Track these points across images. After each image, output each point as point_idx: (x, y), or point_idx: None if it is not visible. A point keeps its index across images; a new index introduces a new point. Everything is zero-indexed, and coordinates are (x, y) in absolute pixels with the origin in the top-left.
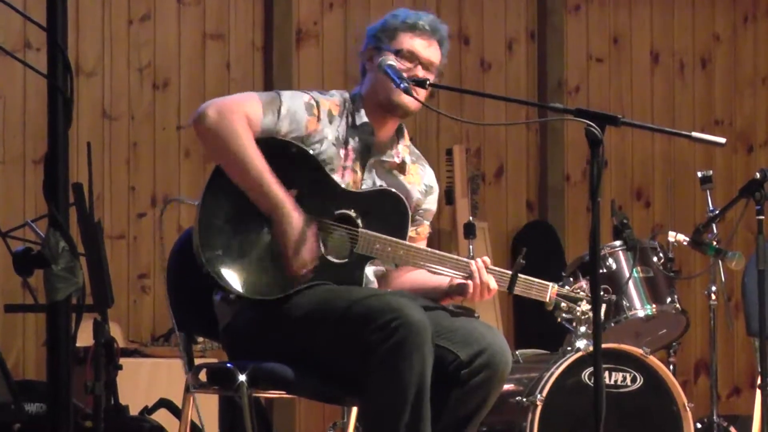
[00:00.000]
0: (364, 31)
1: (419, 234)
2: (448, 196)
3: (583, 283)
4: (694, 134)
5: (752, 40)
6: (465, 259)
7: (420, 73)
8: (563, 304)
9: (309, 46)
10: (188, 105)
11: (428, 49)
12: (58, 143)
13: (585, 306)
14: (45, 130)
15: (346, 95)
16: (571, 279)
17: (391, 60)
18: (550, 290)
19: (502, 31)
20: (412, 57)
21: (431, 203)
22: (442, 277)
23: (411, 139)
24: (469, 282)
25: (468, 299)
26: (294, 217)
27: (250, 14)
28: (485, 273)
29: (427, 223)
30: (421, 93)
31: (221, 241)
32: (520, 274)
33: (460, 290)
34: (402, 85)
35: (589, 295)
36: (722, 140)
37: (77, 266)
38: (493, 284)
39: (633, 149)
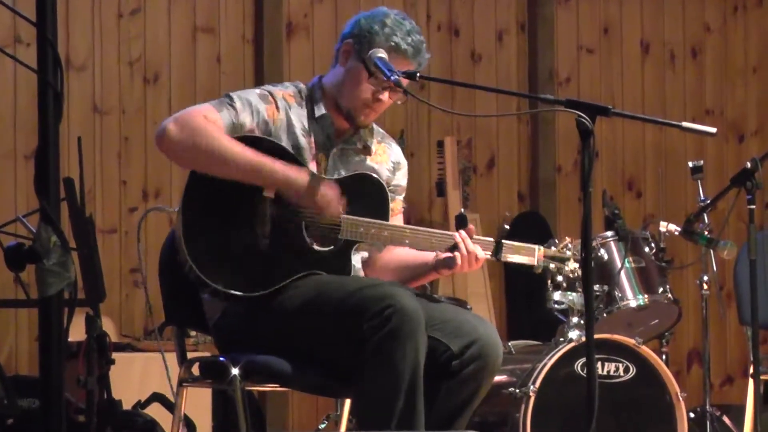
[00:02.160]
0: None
1: (393, 210)
2: (439, 188)
3: (568, 242)
4: (685, 124)
5: (742, 29)
6: (449, 233)
7: (385, 96)
8: (552, 265)
9: (299, 38)
10: (179, 98)
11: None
12: (49, 138)
13: (572, 264)
14: (36, 125)
15: (301, 86)
16: (556, 240)
17: (381, 53)
18: (537, 252)
19: (492, 23)
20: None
21: (401, 178)
22: (428, 252)
23: (402, 132)
24: (456, 254)
25: (456, 271)
26: (294, 179)
27: (240, 7)
28: (471, 243)
29: (399, 198)
30: (382, 105)
31: (206, 243)
32: (505, 240)
33: (447, 263)
34: (393, 78)
35: (576, 253)
36: (713, 130)
37: (69, 261)
38: (480, 253)
39: (624, 140)
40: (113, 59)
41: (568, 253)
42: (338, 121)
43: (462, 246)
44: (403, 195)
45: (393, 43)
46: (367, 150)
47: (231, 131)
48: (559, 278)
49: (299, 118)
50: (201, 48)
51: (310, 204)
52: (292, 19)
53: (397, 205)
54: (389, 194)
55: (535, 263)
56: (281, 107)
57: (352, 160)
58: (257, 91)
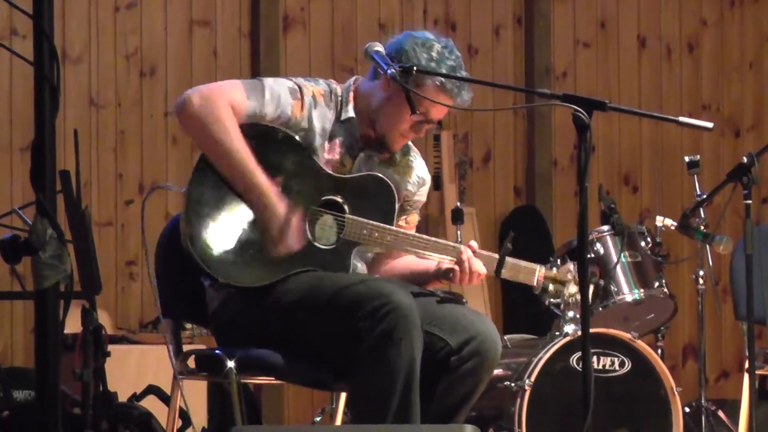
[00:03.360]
0: (350, 17)
1: (408, 223)
2: (435, 182)
3: (571, 266)
4: (682, 119)
5: (739, 24)
6: (452, 244)
7: (423, 131)
8: (551, 287)
9: (296, 32)
10: (175, 92)
11: (444, 110)
12: (45, 131)
13: (572, 288)
14: (32, 118)
15: (334, 85)
16: (559, 261)
17: (378, 47)
18: (537, 273)
19: (489, 17)
20: (426, 115)
21: (423, 195)
22: (430, 260)
23: None
24: (457, 267)
25: (456, 284)
26: (278, 207)
27: (236, 0)
28: (474, 259)
29: (416, 212)
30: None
31: (209, 230)
32: (507, 258)
33: (447, 275)
34: (389, 72)
35: (577, 277)
36: (710, 125)
37: (65, 253)
38: (482, 269)
39: (620, 134)
40: (110, 52)
41: (569, 276)
42: (364, 129)
43: (465, 264)
44: (419, 209)
45: (438, 82)
46: (391, 160)
47: (250, 119)
48: (554, 300)
49: (322, 119)
50: (197, 42)
51: (270, 240)
52: (288, 12)
53: (413, 218)
54: (408, 208)
55: (535, 284)
56: (306, 104)
57: (376, 167)
58: (289, 84)
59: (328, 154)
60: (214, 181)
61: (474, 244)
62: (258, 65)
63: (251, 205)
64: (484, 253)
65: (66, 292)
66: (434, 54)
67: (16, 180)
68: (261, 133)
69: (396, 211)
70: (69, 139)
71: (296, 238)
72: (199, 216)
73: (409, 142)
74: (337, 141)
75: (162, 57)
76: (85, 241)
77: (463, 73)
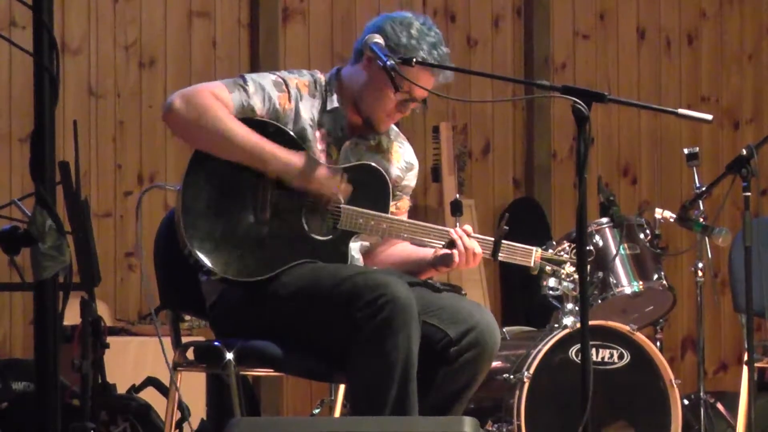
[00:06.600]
0: (350, 8)
1: (399, 209)
2: (434, 174)
3: (566, 245)
4: (681, 111)
5: (738, 16)
6: (447, 229)
7: (408, 109)
8: (548, 268)
9: (295, 23)
10: (174, 82)
11: (428, 86)
12: (45, 121)
13: (569, 268)
14: (31, 109)
15: (318, 75)
16: (554, 243)
17: (377, 38)
18: (534, 254)
19: (488, 8)
20: (411, 93)
21: (411, 179)
22: (427, 249)
23: None
24: (454, 251)
25: (455, 268)
26: (294, 163)
27: None
28: (468, 240)
29: (407, 197)
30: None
31: (204, 225)
32: (503, 240)
33: (445, 261)
34: (389, 63)
35: (573, 257)
36: (709, 117)
37: (64, 244)
38: (478, 249)
39: (619, 126)
40: (109, 43)
41: (565, 256)
42: (351, 116)
43: (459, 243)
44: (410, 194)
45: (420, 59)
46: (379, 147)
47: (240, 113)
48: (553, 281)
49: (309, 109)
50: (196, 32)
51: (309, 187)
52: (287, 4)
53: (404, 204)
54: (398, 194)
55: (532, 265)
56: (293, 96)
57: (364, 154)
58: (272, 77)
59: (320, 143)
60: (208, 177)
61: (468, 228)
62: (257, 56)
63: (277, 178)
64: (480, 236)
65: (65, 284)
66: (414, 32)
67: (16, 171)
68: (252, 128)
69: (390, 198)
70: (68, 129)
71: (338, 177)
72: (195, 212)
73: (396, 128)
74: (324, 130)
75: (161, 48)
76: (85, 233)
77: (444, 49)
